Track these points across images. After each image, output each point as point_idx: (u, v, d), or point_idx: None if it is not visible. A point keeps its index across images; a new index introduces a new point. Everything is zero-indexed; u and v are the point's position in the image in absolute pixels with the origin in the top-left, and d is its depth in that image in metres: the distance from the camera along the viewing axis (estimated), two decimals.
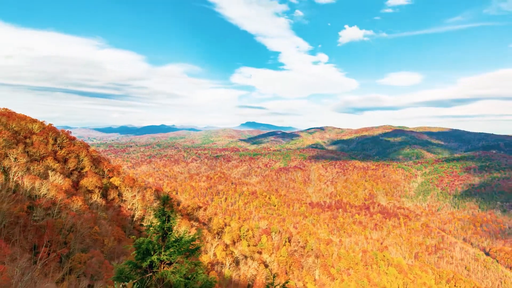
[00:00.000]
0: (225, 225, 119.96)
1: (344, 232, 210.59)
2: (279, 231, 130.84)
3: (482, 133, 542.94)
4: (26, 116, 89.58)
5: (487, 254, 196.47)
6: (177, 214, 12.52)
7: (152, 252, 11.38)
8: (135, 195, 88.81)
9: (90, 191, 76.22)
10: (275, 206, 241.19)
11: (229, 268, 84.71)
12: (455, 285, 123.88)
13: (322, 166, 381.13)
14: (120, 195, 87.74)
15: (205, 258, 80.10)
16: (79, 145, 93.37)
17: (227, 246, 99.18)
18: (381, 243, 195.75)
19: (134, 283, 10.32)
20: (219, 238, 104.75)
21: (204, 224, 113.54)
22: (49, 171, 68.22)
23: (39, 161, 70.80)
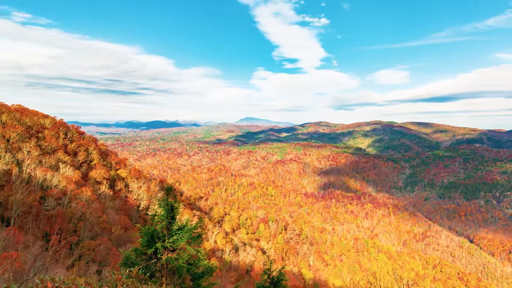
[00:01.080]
0: (225, 214, 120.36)
1: (337, 220, 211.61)
2: (276, 220, 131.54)
3: (467, 127, 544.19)
4: (38, 111, 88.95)
5: (471, 241, 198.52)
6: (180, 204, 12.49)
7: (156, 240, 11.42)
8: (140, 186, 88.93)
9: (99, 182, 76.25)
10: (272, 196, 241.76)
11: (229, 255, 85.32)
12: (441, 271, 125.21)
13: (316, 158, 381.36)
14: (126, 186, 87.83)
15: (206, 245, 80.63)
16: (88, 139, 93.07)
17: (227, 234, 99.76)
18: (372, 231, 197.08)
19: (139, 269, 10.36)
20: (220, 226, 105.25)
21: (206, 213, 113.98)
22: (60, 164, 68.10)
23: (51, 154, 70.58)
